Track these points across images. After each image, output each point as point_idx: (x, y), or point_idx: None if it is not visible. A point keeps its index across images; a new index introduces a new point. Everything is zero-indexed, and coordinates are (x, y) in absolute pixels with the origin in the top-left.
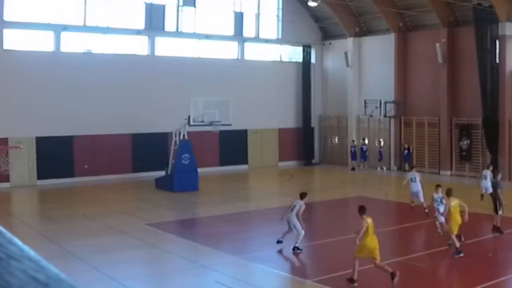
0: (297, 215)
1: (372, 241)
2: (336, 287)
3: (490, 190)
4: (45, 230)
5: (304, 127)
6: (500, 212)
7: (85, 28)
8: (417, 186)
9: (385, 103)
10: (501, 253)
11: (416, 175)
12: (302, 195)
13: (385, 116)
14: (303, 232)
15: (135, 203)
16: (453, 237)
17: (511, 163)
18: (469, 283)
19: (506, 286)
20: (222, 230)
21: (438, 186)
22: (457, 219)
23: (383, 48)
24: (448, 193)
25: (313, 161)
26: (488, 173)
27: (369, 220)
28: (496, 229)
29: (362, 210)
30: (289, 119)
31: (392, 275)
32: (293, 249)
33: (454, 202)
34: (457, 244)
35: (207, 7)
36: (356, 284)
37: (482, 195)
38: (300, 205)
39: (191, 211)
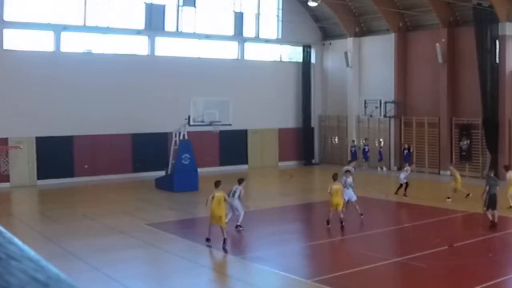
0: (239, 198)
1: (218, 211)
2: (336, 287)
3: (403, 181)
4: (45, 230)
5: (304, 127)
6: (484, 209)
7: (85, 28)
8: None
9: (385, 103)
10: (501, 253)
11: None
12: (240, 181)
13: (385, 116)
14: (243, 212)
15: (135, 203)
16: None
17: (511, 163)
18: (469, 283)
19: (506, 286)
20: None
21: (347, 171)
22: (334, 200)
23: (383, 48)
24: (334, 178)
25: (313, 161)
26: (408, 168)
27: (217, 194)
28: (493, 225)
29: (216, 183)
30: (289, 119)
31: (224, 241)
32: (236, 227)
33: (336, 186)
34: (329, 216)
35: (207, 7)
36: (209, 243)
37: (400, 186)
38: (240, 189)
39: (191, 211)
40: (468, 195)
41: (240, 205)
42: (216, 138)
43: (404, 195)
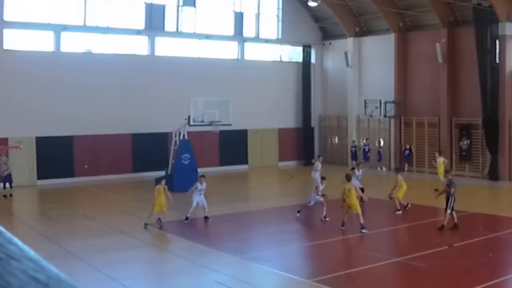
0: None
1: (160, 199)
2: (336, 287)
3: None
4: (45, 230)
5: (304, 127)
6: (448, 211)
7: (85, 28)
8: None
9: (385, 103)
10: (501, 253)
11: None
12: (201, 178)
13: (385, 116)
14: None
15: (135, 203)
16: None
17: (511, 163)
18: (469, 283)
19: (506, 286)
20: (222, 230)
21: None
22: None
23: (383, 48)
24: (347, 178)
25: (313, 161)
26: (359, 173)
27: (157, 187)
28: (442, 227)
29: (157, 181)
30: (289, 119)
31: (146, 225)
32: (205, 218)
33: (348, 186)
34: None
35: (207, 7)
36: (147, 227)
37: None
38: (201, 186)
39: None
40: (406, 206)
41: (205, 200)
42: (216, 138)
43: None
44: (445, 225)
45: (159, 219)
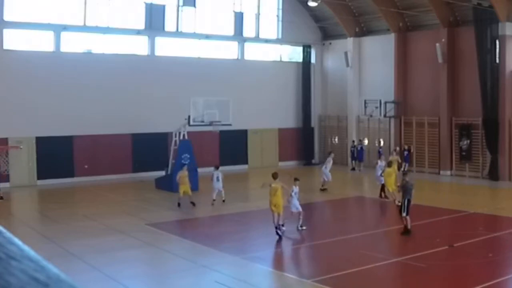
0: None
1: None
2: (336, 287)
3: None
4: (45, 230)
5: (304, 127)
6: (404, 214)
7: (85, 28)
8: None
9: (385, 103)
10: (501, 253)
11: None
12: (216, 167)
13: (385, 116)
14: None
15: (135, 203)
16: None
17: (511, 163)
18: (469, 283)
19: (506, 286)
20: (222, 230)
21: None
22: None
23: (383, 48)
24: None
25: (313, 161)
26: (380, 162)
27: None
28: (407, 231)
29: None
30: (289, 119)
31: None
32: (223, 200)
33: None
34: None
35: (207, 7)
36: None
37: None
38: (219, 174)
39: (191, 211)
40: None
41: (222, 186)
42: (216, 138)
43: (385, 196)
44: (409, 228)
45: (192, 203)
